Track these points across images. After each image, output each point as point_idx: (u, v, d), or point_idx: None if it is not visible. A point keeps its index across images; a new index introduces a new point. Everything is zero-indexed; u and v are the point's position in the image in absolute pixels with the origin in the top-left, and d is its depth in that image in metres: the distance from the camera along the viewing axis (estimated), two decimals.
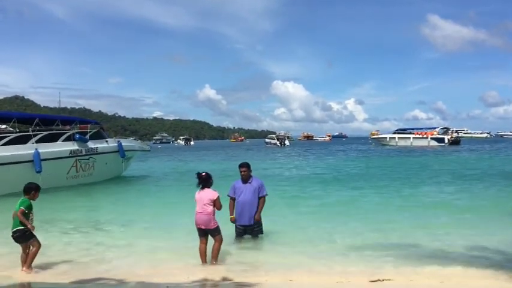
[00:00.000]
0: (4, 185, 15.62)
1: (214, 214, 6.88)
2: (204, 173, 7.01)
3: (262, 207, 8.14)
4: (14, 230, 6.46)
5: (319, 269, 6.62)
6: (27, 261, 6.50)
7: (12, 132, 17.66)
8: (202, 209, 6.86)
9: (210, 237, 6.96)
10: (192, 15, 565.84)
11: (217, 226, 6.95)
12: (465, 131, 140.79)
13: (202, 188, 6.96)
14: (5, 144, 16.54)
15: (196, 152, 67.34)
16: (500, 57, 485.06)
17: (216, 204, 6.90)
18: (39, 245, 6.54)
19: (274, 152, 61.77)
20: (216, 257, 6.95)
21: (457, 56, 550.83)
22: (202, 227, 6.89)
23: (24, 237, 6.46)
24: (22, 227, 6.41)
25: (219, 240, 6.96)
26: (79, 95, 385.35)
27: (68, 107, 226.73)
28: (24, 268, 6.49)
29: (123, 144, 22.65)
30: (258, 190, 8.09)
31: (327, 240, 8.50)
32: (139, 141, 30.53)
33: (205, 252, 6.95)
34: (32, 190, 6.59)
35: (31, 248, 6.52)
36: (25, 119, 20.08)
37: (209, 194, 6.91)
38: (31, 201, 6.56)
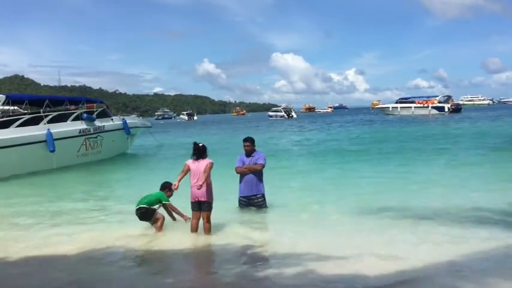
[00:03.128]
0: (21, 165, 16.37)
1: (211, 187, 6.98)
2: (201, 144, 7.08)
3: (253, 167, 8.32)
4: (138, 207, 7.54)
5: (323, 240, 6.68)
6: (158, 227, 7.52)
7: (23, 113, 18.23)
8: (201, 180, 6.80)
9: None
10: None
11: (212, 202, 7.04)
12: (477, 98, 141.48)
13: (197, 159, 7.00)
14: (19, 126, 17.08)
15: (201, 127, 66.58)
16: (500, 23, 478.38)
17: (207, 168, 6.86)
18: (162, 217, 7.60)
19: (283, 125, 59.24)
20: (209, 232, 7.00)
21: (457, 22, 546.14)
22: (202, 199, 6.89)
23: (147, 215, 7.51)
24: (146, 206, 7.45)
25: (208, 216, 6.98)
26: (79, 72, 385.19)
27: (68, 85, 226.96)
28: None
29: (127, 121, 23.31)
30: (257, 160, 8.39)
31: (332, 212, 8.47)
32: (140, 117, 31.01)
33: (197, 228, 7.06)
34: (166, 188, 7.67)
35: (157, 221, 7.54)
36: (36, 101, 20.55)
37: (206, 162, 6.96)
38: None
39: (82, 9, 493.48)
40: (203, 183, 6.81)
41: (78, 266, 6.05)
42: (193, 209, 7.06)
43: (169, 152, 24.81)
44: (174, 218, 7.82)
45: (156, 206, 7.55)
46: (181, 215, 7.54)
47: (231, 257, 6.11)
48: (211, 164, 6.98)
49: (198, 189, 6.83)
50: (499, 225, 7.09)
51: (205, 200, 6.92)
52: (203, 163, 6.95)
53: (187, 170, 7.05)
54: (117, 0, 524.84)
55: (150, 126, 28.03)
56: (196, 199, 6.93)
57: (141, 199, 7.64)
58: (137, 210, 7.55)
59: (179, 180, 7.08)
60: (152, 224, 7.57)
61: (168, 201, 7.63)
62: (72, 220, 8.79)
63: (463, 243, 6.25)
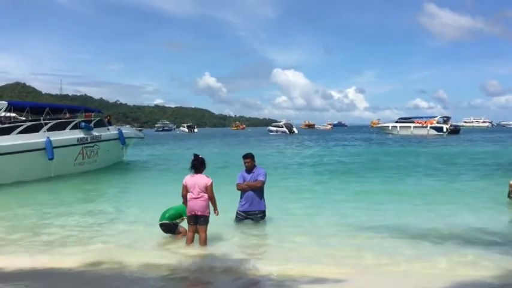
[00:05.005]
0: (20, 172, 16.33)
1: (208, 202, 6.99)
2: (200, 156, 7.08)
3: (253, 185, 8.36)
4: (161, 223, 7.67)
5: (320, 260, 6.48)
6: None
7: (24, 121, 18.32)
8: (200, 194, 6.86)
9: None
10: (194, 0, 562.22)
11: (209, 216, 7.02)
12: (480, 120, 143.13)
13: (196, 172, 7.00)
14: (19, 132, 17.09)
15: (202, 139, 65.67)
16: (499, 46, 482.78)
17: (209, 191, 6.91)
18: (185, 231, 7.53)
19: (285, 140, 57.94)
20: (205, 245, 6.99)
21: (457, 44, 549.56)
22: (199, 213, 6.87)
23: (170, 230, 7.67)
24: (168, 221, 7.57)
25: (205, 230, 6.99)
26: (80, 81, 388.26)
27: (69, 94, 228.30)
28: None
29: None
30: (257, 177, 8.41)
31: (330, 231, 8.36)
32: (133, 128, 31.29)
33: (193, 240, 7.04)
34: None
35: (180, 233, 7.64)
36: (37, 108, 20.62)
37: (204, 179, 6.94)
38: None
39: (85, 19, 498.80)
40: (211, 198, 7.00)
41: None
42: (189, 222, 7.07)
43: (167, 164, 24.82)
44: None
45: (178, 221, 7.56)
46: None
47: (225, 277, 5.96)
48: (212, 184, 7.00)
49: (196, 203, 6.88)
50: (491, 245, 7.17)
51: (202, 214, 6.91)
52: (201, 179, 6.97)
53: (185, 192, 7.06)
54: (119, 11, 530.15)
55: (143, 137, 28.35)
56: (193, 213, 6.92)
57: (164, 213, 7.61)
58: (161, 225, 7.63)
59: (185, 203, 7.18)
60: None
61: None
62: (67, 236, 8.51)
63: (460, 264, 6.22)
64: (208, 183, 6.92)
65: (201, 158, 7.06)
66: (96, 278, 5.99)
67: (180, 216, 7.58)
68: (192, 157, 7.10)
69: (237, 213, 8.63)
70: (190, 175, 7.04)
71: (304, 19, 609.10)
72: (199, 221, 6.94)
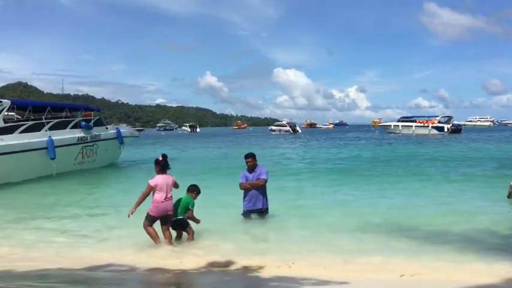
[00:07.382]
0: (21, 171, 16.21)
1: None
2: (164, 156, 7.16)
3: (256, 183, 8.36)
4: (176, 218, 7.29)
5: (323, 261, 6.39)
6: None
7: (26, 120, 18.21)
8: (170, 194, 7.00)
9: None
10: (196, 0, 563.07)
11: None
12: (484, 118, 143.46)
13: (163, 172, 7.04)
14: (22, 132, 16.98)
15: (206, 139, 64.55)
16: (500, 45, 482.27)
17: (176, 186, 7.19)
18: (193, 232, 7.39)
19: (289, 140, 57.00)
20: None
21: (458, 43, 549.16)
22: (170, 213, 7.01)
23: (183, 225, 7.35)
24: (183, 216, 7.28)
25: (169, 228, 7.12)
26: (82, 81, 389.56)
27: (71, 93, 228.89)
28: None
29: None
30: (259, 175, 8.43)
31: (334, 231, 8.33)
32: (129, 126, 31.36)
33: (171, 238, 7.06)
34: (195, 191, 7.55)
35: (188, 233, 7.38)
36: (38, 107, 20.55)
37: (171, 177, 7.09)
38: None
39: (87, 19, 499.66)
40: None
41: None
42: (163, 223, 7.02)
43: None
44: (197, 222, 7.51)
45: (186, 216, 7.34)
46: (196, 221, 7.48)
47: (226, 276, 5.87)
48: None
49: (169, 203, 6.98)
50: (492, 247, 7.06)
51: (171, 213, 7.04)
52: (170, 178, 7.09)
53: (149, 192, 6.96)
54: (121, 11, 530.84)
55: (138, 136, 28.42)
56: (168, 212, 7.00)
57: (174, 209, 7.31)
58: (175, 221, 7.30)
59: (136, 206, 6.91)
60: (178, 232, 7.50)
61: (193, 206, 7.45)
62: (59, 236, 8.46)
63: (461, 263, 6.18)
64: (174, 180, 7.11)
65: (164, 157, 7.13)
66: (96, 279, 5.95)
67: (187, 208, 7.31)
68: (163, 158, 7.10)
69: (243, 212, 8.67)
70: (161, 175, 7.01)
71: (305, 19, 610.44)
72: (169, 220, 7.04)
